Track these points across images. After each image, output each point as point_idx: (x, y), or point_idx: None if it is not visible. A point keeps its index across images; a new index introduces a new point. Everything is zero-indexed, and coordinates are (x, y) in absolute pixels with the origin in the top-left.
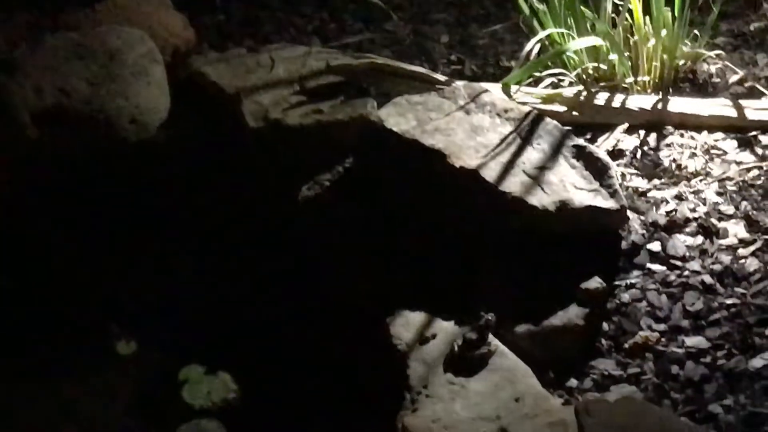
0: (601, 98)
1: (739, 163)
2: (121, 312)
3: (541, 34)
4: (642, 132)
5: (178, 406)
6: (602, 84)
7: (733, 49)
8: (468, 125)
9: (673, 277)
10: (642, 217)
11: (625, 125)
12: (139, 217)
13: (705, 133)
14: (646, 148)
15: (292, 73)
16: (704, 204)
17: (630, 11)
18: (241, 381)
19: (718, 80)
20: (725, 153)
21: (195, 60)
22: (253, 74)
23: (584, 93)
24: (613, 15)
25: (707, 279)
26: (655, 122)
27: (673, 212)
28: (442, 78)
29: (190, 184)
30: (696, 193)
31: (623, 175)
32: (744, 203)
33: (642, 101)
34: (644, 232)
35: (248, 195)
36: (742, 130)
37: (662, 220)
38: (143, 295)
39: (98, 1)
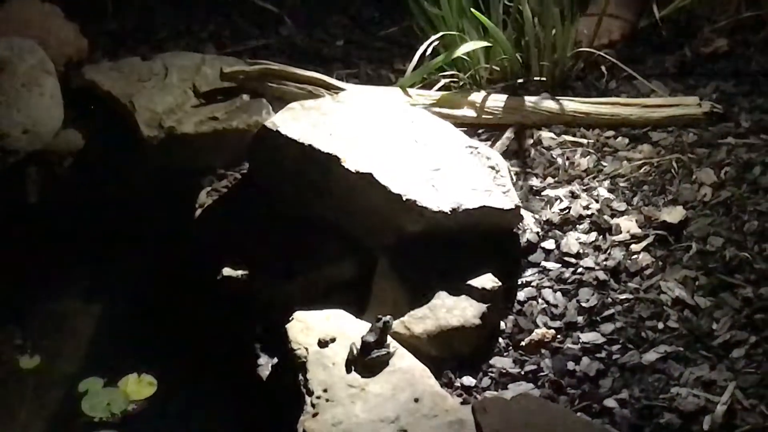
0: (494, 99)
1: (630, 160)
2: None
3: (434, 38)
4: (535, 131)
5: (78, 420)
6: (495, 85)
7: (627, 47)
8: (364, 129)
9: (567, 274)
10: (536, 216)
11: (519, 125)
12: (35, 226)
13: (597, 131)
14: (539, 147)
15: (186, 80)
16: (597, 201)
17: (520, 12)
18: (144, 390)
19: (609, 78)
20: (617, 150)
21: (88, 69)
22: (146, 82)
23: (477, 94)
24: (505, 16)
25: (601, 275)
26: (548, 121)
27: (567, 210)
28: (337, 82)
29: (85, 193)
30: (588, 190)
31: (517, 175)
32: (636, 199)
33: (534, 101)
34: (539, 230)
35: (144, 201)
36: (633, 127)
37: (556, 218)
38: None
39: None
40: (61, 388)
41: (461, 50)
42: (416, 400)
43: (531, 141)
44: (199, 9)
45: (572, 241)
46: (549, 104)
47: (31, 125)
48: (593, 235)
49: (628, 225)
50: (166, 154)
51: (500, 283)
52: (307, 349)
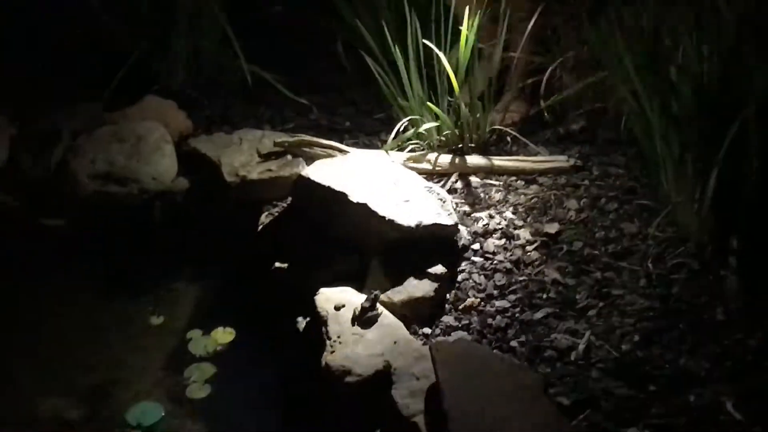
0: (442, 158)
1: (525, 194)
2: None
3: (404, 120)
4: (467, 177)
5: (185, 355)
6: (443, 149)
7: (523, 126)
8: (362, 176)
9: (487, 265)
10: (468, 229)
11: (457, 173)
12: (160, 239)
13: (505, 176)
14: (469, 187)
15: (252, 146)
16: (505, 220)
17: (458, 104)
18: (227, 337)
19: (512, 145)
20: (517, 188)
21: (192, 140)
22: (228, 148)
23: (432, 154)
24: (448, 107)
25: (508, 265)
26: (475, 171)
27: (486, 225)
28: (345, 147)
29: (191, 216)
30: (500, 213)
31: (456, 204)
32: (529, 218)
33: (467, 158)
34: (470, 237)
35: (228, 221)
36: (527, 174)
37: (480, 230)
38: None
39: (131, 105)
40: (176, 337)
41: (422, 128)
42: (395, 343)
43: (464, 183)
44: (260, 103)
45: (490, 244)
46: (476, 160)
47: (157, 175)
48: (503, 241)
49: (525, 234)
50: (241, 192)
51: (446, 270)
52: (327, 311)
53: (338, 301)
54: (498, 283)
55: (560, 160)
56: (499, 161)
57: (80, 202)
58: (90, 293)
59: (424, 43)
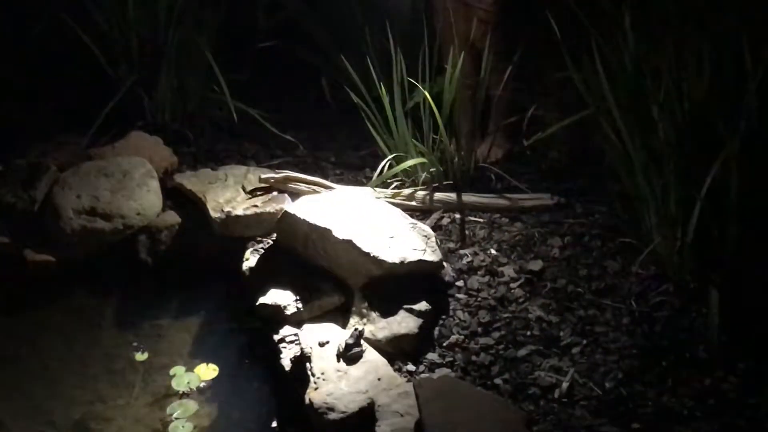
0: (426, 194)
1: (509, 232)
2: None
3: (389, 157)
4: (451, 214)
5: (169, 391)
6: (427, 185)
7: (506, 164)
8: (347, 212)
9: (471, 302)
10: (452, 266)
11: (442, 210)
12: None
13: (489, 214)
14: (454, 223)
15: (238, 182)
16: (489, 257)
17: (442, 141)
18: (210, 373)
19: (496, 182)
20: (501, 226)
21: (177, 176)
22: (213, 184)
23: (416, 191)
24: (433, 144)
25: (492, 302)
26: (459, 208)
27: (471, 262)
28: (331, 184)
29: (176, 252)
30: (484, 250)
31: (440, 241)
32: (513, 255)
33: (450, 196)
34: (454, 274)
35: (212, 255)
36: (511, 212)
37: (464, 267)
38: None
39: (117, 140)
40: (159, 373)
41: (406, 164)
42: (379, 379)
43: (449, 220)
44: (246, 139)
45: (474, 281)
46: (460, 197)
47: (142, 210)
48: (487, 278)
49: (509, 272)
50: (226, 228)
51: (430, 307)
52: (311, 347)
53: (322, 337)
54: (482, 320)
55: (544, 198)
56: (483, 199)
57: (65, 237)
58: (74, 327)
59: (409, 81)
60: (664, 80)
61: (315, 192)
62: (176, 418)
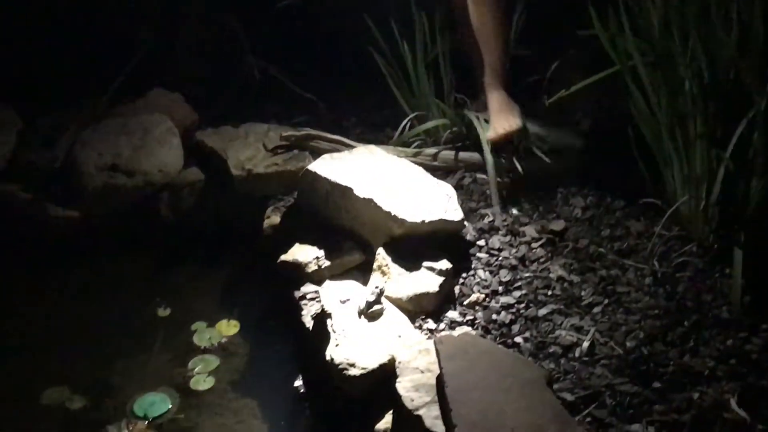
0: (448, 154)
1: (531, 192)
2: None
3: (411, 116)
4: (473, 173)
5: (190, 347)
6: (448, 145)
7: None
8: (368, 171)
9: (493, 261)
10: (474, 225)
11: (463, 169)
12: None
13: (511, 173)
14: (475, 183)
15: (259, 140)
16: (511, 217)
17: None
18: (231, 330)
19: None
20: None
21: (198, 133)
22: (234, 141)
23: (438, 150)
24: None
25: (513, 261)
26: (481, 167)
27: (492, 222)
28: (352, 142)
29: (197, 209)
30: (505, 210)
31: (462, 200)
32: (535, 215)
33: (473, 155)
34: (475, 234)
35: (233, 214)
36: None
37: (485, 227)
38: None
39: (137, 98)
40: (181, 329)
41: (428, 125)
42: (399, 336)
43: (471, 180)
44: (267, 98)
45: (496, 241)
46: (482, 157)
47: (163, 167)
48: (509, 238)
49: (530, 231)
50: (247, 186)
51: (451, 266)
52: (332, 305)
53: (343, 294)
54: (503, 280)
55: (567, 156)
56: (502, 159)
57: (87, 194)
58: (96, 284)
59: (431, 40)
60: (692, 38)
61: (336, 150)
62: (197, 373)
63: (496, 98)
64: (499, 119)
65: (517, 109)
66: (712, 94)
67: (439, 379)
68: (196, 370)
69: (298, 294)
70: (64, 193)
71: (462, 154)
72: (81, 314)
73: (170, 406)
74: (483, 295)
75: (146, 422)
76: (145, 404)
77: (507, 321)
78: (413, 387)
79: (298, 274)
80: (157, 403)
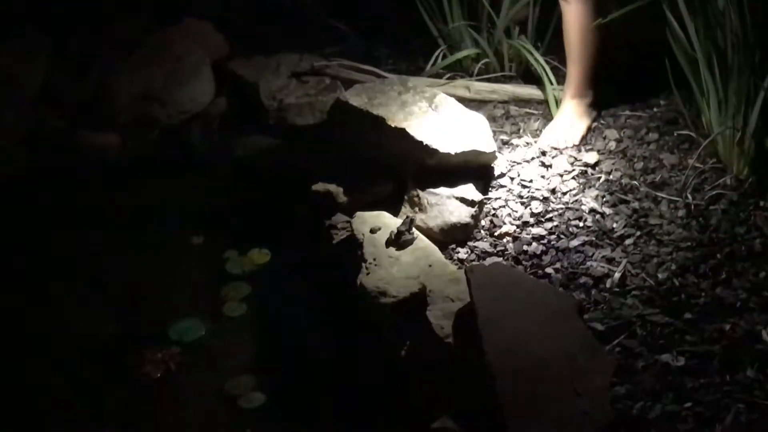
0: (481, 85)
1: None
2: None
3: (443, 47)
4: (506, 105)
5: (223, 275)
6: (482, 76)
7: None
8: (400, 101)
9: (524, 193)
10: (505, 157)
11: (496, 101)
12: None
13: (544, 105)
14: (508, 115)
15: (290, 70)
16: (543, 153)
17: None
18: (263, 258)
19: (552, 73)
20: None
21: (230, 63)
22: (266, 71)
23: (471, 82)
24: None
25: (545, 193)
26: (514, 99)
27: (525, 153)
28: (383, 73)
29: (229, 138)
30: (537, 142)
31: (494, 131)
32: (567, 147)
33: (505, 87)
34: (507, 165)
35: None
36: None
37: (518, 158)
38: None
39: (169, 27)
40: (214, 257)
41: (460, 54)
42: (430, 266)
43: (503, 111)
44: (299, 28)
45: (527, 172)
46: (514, 89)
47: (195, 96)
48: (541, 169)
49: (563, 163)
50: (278, 116)
51: (483, 197)
52: (363, 234)
53: (374, 224)
54: (534, 211)
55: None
56: (538, 90)
57: (120, 122)
58: (129, 212)
59: None
60: None
61: (368, 81)
62: (230, 300)
63: (565, 107)
64: (561, 129)
65: (584, 125)
66: (752, 24)
67: (466, 309)
68: (228, 296)
69: (329, 223)
70: (96, 121)
71: (495, 85)
72: (114, 241)
73: (203, 332)
74: (514, 226)
75: (179, 347)
76: (179, 329)
77: (538, 252)
78: (443, 315)
79: (329, 203)
80: (191, 328)
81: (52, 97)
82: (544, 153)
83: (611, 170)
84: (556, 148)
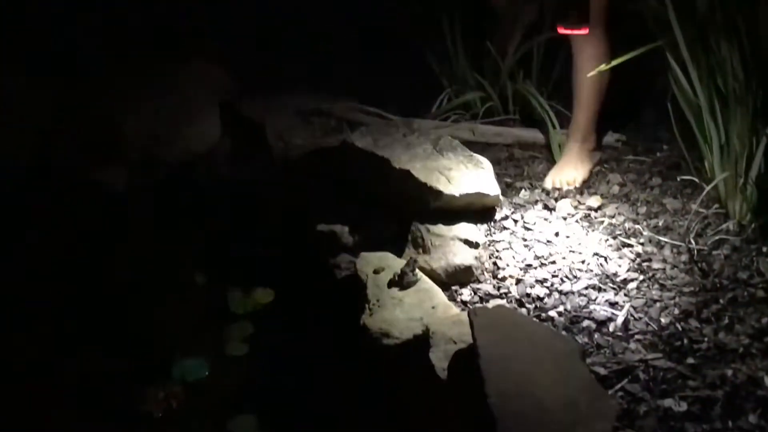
0: (485, 128)
1: None
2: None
3: (448, 90)
4: (509, 148)
5: (226, 314)
6: (486, 119)
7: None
8: (404, 143)
9: (527, 235)
10: (509, 200)
11: (499, 144)
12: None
13: (546, 149)
14: (511, 158)
15: (298, 111)
16: (547, 193)
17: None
18: (267, 298)
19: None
20: None
21: (237, 103)
22: (272, 111)
23: (475, 124)
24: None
25: (548, 236)
26: (516, 142)
27: (527, 196)
28: (389, 115)
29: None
30: (540, 184)
31: (498, 174)
32: (570, 191)
33: (509, 130)
34: (511, 208)
35: (269, 184)
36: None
37: (521, 201)
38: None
39: (178, 66)
40: (218, 296)
41: (465, 98)
42: (433, 307)
43: (507, 154)
44: (307, 69)
45: (531, 215)
46: (518, 132)
47: (202, 136)
48: (545, 212)
49: (566, 207)
50: (284, 156)
51: (486, 239)
52: (367, 275)
53: (378, 265)
54: (538, 254)
55: (606, 136)
56: (541, 134)
57: (128, 160)
58: (134, 250)
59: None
60: (735, 15)
61: (373, 123)
62: (233, 339)
63: (570, 149)
64: (563, 170)
65: (587, 167)
66: (754, 70)
67: (468, 352)
68: (231, 336)
69: (333, 263)
70: (104, 159)
71: (499, 128)
72: (119, 278)
73: (207, 372)
74: (517, 269)
75: (182, 386)
76: (183, 368)
77: (541, 295)
78: (446, 357)
79: (333, 243)
80: (194, 367)
81: (62, 133)
82: (547, 194)
83: (614, 214)
84: (559, 190)
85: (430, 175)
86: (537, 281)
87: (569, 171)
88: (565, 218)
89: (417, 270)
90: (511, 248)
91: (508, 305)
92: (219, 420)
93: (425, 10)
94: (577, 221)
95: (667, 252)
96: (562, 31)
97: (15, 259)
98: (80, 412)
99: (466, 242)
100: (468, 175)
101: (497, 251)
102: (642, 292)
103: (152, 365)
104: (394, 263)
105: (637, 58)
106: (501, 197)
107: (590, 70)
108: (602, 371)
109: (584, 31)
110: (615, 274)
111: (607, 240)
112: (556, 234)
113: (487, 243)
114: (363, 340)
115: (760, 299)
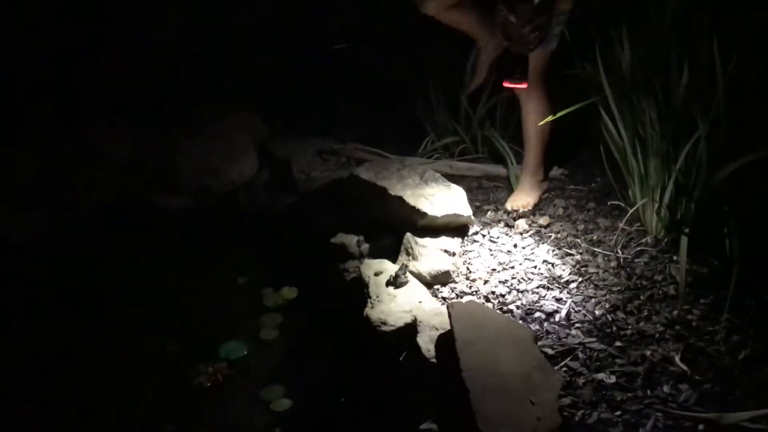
0: (460, 164)
1: None
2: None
3: (431, 136)
4: (479, 180)
5: (260, 307)
6: (461, 157)
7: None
8: (398, 175)
9: (493, 247)
10: (478, 219)
11: (471, 176)
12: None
13: (507, 179)
14: (481, 187)
15: (316, 150)
16: (507, 213)
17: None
18: (292, 294)
19: (516, 156)
20: None
21: (270, 145)
22: (297, 151)
23: (453, 161)
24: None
25: (509, 247)
26: (486, 175)
27: (492, 216)
28: (386, 154)
29: (268, 203)
30: (502, 207)
31: (470, 199)
32: (525, 212)
33: (479, 165)
34: (480, 226)
35: (294, 208)
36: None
37: (488, 220)
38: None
39: (225, 118)
40: (254, 293)
41: (444, 141)
42: (420, 302)
43: (477, 184)
44: (322, 119)
45: (495, 231)
46: (486, 167)
47: (243, 170)
48: (506, 229)
49: (523, 225)
50: (305, 186)
51: (461, 249)
52: (369, 276)
53: (377, 269)
54: (501, 261)
55: (552, 170)
56: (503, 168)
57: (185, 190)
58: (189, 259)
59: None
60: (652, 79)
61: (374, 160)
62: (266, 326)
63: (524, 180)
64: (520, 197)
65: (538, 194)
66: (667, 120)
67: (447, 336)
68: (264, 324)
69: (342, 267)
70: (168, 188)
71: (471, 164)
72: (177, 282)
73: (245, 352)
74: (485, 272)
75: (226, 363)
76: (226, 349)
77: (503, 292)
78: (430, 340)
79: (343, 252)
80: (236, 348)
81: (135, 168)
82: (508, 215)
83: (559, 230)
84: (516, 212)
85: (417, 200)
86: (500, 282)
87: (524, 197)
88: (521, 234)
89: (408, 273)
90: (480, 256)
91: (477, 300)
92: (255, 389)
93: (414, 77)
94: (530, 236)
95: (600, 259)
96: (506, 84)
97: (104, 261)
98: (145, 383)
99: (446, 252)
100: (447, 200)
101: (469, 259)
102: (581, 291)
103: (203, 347)
104: (390, 267)
105: (576, 110)
106: (472, 217)
107: (533, 121)
108: (550, 351)
109: (524, 86)
110: (560, 277)
111: (554, 250)
112: (515, 246)
113: (462, 252)
114: (366, 327)
115: (672, 296)
